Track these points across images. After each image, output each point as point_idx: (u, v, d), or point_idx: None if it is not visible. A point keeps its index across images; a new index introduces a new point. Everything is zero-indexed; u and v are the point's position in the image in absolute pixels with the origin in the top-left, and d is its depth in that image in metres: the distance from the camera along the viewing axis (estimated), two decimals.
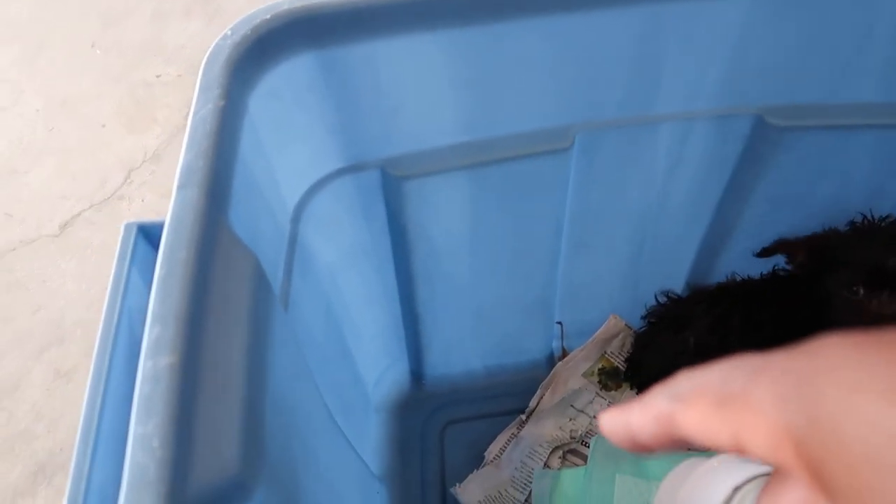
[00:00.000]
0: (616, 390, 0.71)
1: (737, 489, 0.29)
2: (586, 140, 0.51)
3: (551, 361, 0.74)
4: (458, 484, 0.65)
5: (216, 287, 0.30)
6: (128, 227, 0.34)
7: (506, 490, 0.64)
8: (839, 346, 0.17)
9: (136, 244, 0.33)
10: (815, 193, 0.57)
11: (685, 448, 0.21)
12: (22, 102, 1.21)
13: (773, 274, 0.61)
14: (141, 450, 0.25)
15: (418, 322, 0.66)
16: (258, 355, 0.32)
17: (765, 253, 0.57)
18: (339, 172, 0.49)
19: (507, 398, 0.72)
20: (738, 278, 0.62)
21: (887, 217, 0.57)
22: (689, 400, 0.20)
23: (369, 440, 0.70)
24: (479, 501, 0.63)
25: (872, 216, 0.57)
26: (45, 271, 1.00)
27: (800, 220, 0.60)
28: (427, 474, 0.69)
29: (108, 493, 0.28)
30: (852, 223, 0.57)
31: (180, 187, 0.32)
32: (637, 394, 0.70)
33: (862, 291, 0.52)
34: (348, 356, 0.63)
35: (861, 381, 0.16)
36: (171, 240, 0.30)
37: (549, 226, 0.58)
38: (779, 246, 0.58)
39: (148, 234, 0.34)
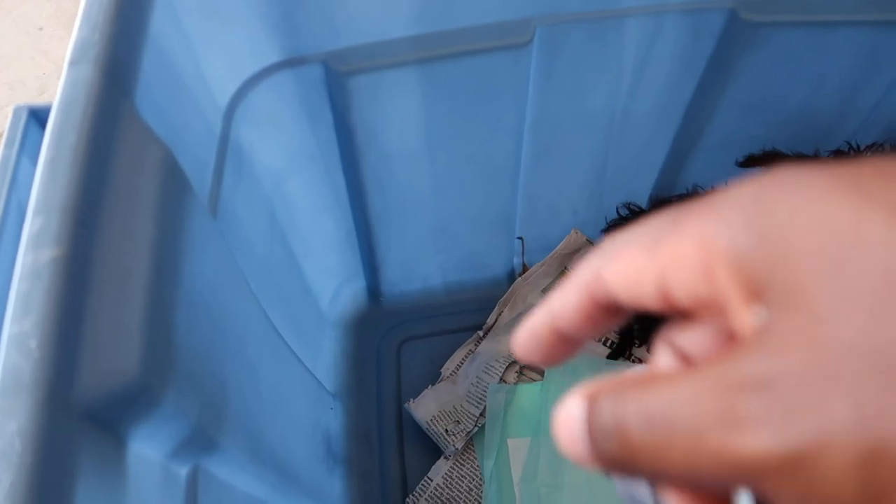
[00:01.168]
0: None
1: None
2: (547, 35, 0.47)
3: (512, 278, 0.72)
4: (411, 399, 0.63)
5: (114, 177, 0.27)
6: (17, 110, 0.30)
7: (461, 405, 0.63)
8: (797, 170, 0.14)
9: (26, 129, 0.30)
10: (787, 98, 0.54)
11: (611, 323, 0.18)
12: None
13: None
14: (16, 350, 0.22)
15: (372, 235, 0.63)
16: (168, 256, 0.29)
17: (750, 162, 0.54)
18: (278, 66, 0.45)
19: (466, 315, 0.71)
20: (701, 190, 0.60)
21: (873, 145, 0.54)
22: (616, 251, 0.17)
23: (324, 357, 0.68)
24: (433, 416, 0.62)
25: (858, 145, 0.54)
26: None
27: (770, 129, 0.57)
28: (383, 391, 0.68)
29: None
30: (837, 151, 0.54)
31: (72, 63, 0.28)
32: None
33: None
34: (297, 270, 0.60)
35: (824, 190, 0.13)
36: (59, 122, 0.26)
37: (509, 132, 0.55)
38: (768, 157, 0.54)
39: (42, 120, 0.31)
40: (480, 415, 0.62)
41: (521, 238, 0.70)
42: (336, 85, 0.46)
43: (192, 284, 0.32)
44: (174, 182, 0.31)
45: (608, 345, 0.68)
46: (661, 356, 0.18)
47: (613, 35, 0.49)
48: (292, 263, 0.59)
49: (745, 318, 0.14)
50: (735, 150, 0.58)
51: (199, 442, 0.33)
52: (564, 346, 0.19)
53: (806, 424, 0.12)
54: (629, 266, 0.16)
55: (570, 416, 0.16)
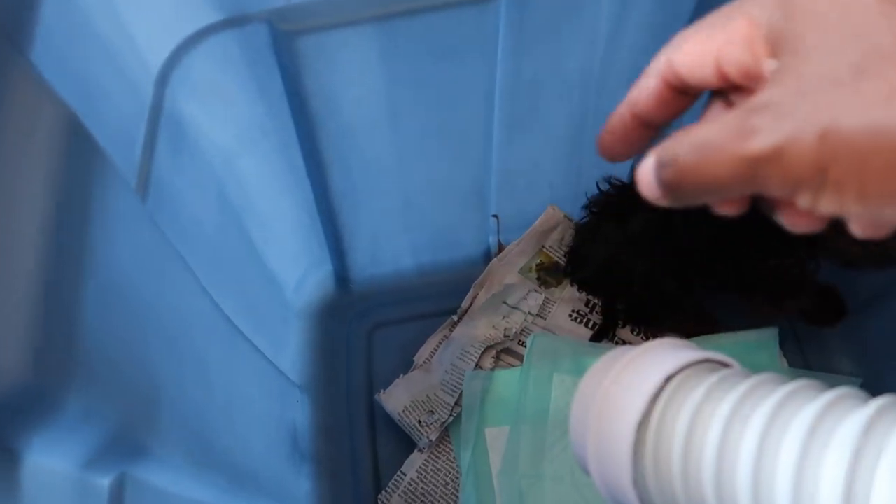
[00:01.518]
0: (556, 287, 0.66)
1: (669, 378, 0.24)
2: None
3: (488, 258, 0.69)
4: (381, 390, 0.60)
5: None
6: None
7: (435, 394, 0.59)
8: None
9: None
10: None
11: (681, 105, 0.23)
12: None
13: None
14: None
15: (336, 216, 0.59)
16: (72, 236, 0.25)
17: None
18: (217, 27, 0.41)
19: (440, 298, 0.67)
20: None
21: None
22: (683, 39, 0.22)
23: (289, 348, 0.64)
24: (405, 407, 0.59)
25: None
26: None
27: None
28: (353, 382, 0.64)
29: None
30: None
31: None
32: (578, 290, 0.65)
33: None
34: (256, 256, 0.56)
35: None
36: None
37: (479, 99, 0.51)
38: None
39: None
40: (456, 404, 0.58)
41: (496, 216, 0.66)
42: (284, 47, 0.42)
43: (109, 270, 0.28)
44: (80, 151, 0.27)
45: (590, 326, 0.64)
46: (714, 108, 0.23)
47: None
48: (250, 249, 0.55)
49: (768, 68, 0.20)
50: None
51: (124, 447, 0.29)
52: (644, 130, 0.24)
53: (787, 126, 0.18)
54: (693, 50, 0.21)
55: (645, 166, 0.21)
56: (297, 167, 0.53)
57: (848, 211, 0.18)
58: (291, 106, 0.47)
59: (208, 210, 0.45)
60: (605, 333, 0.64)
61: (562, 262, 0.67)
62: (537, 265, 0.67)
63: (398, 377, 0.61)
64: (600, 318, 0.65)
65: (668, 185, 0.20)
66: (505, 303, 0.64)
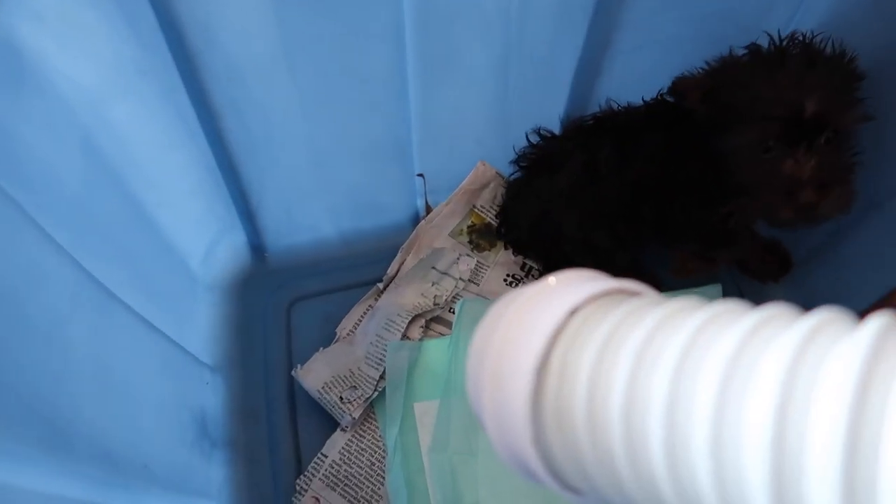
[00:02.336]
0: (489, 250, 0.62)
1: (574, 312, 0.20)
2: None
3: (416, 222, 0.64)
4: (298, 366, 0.54)
5: None
6: None
7: (358, 368, 0.54)
8: None
9: None
10: None
11: None
12: None
13: (659, 101, 0.51)
14: None
15: (239, 174, 0.53)
16: None
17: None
18: None
19: (366, 267, 0.62)
20: (617, 106, 0.52)
21: (793, 36, 0.45)
22: None
23: (197, 324, 0.58)
24: (326, 383, 0.54)
25: (780, 38, 0.45)
26: None
27: (687, 27, 0.50)
28: (271, 359, 0.58)
29: None
30: (755, 47, 0.45)
31: None
32: (513, 254, 0.61)
33: (773, 148, 0.41)
34: (146, 220, 0.50)
35: None
36: None
37: (387, 33, 0.46)
38: (674, 87, 0.47)
39: None
40: (381, 378, 0.53)
41: (421, 175, 0.61)
42: None
43: None
44: None
45: None
46: None
47: None
48: (137, 213, 0.48)
49: None
50: (651, 53, 0.51)
51: None
52: None
53: None
54: None
55: None
56: (186, 115, 0.47)
57: None
58: (169, 41, 0.41)
59: (69, 163, 0.39)
60: None
61: (494, 223, 0.62)
62: (469, 227, 0.62)
63: (318, 351, 0.56)
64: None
65: None
66: (434, 268, 0.59)
